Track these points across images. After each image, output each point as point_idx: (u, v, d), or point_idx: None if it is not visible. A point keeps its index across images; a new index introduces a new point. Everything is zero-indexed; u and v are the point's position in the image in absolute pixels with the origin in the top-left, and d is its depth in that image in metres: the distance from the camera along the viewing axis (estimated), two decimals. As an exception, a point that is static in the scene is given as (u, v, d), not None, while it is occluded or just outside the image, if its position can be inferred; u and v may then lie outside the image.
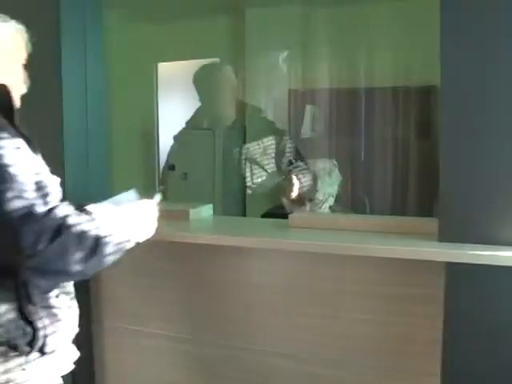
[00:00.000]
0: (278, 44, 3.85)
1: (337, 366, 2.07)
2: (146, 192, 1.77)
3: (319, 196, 2.73)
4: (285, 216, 2.33)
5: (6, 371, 1.51)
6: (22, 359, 1.53)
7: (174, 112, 4.09)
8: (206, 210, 2.49)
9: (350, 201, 3.34)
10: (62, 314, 1.58)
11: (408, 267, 1.91)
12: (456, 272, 1.82)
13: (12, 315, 1.49)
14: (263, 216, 2.80)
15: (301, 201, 2.74)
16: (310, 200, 2.74)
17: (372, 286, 1.99)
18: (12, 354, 1.51)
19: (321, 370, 2.09)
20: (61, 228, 1.40)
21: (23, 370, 1.54)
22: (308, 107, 3.44)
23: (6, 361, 1.51)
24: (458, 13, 1.80)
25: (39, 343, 1.53)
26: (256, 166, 2.99)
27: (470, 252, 1.76)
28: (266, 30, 3.80)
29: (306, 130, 3.98)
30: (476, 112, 1.81)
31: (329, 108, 3.89)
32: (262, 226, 2.35)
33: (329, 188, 2.76)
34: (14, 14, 2.05)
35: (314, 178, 2.74)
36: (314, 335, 2.08)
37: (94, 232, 1.44)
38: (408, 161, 3.83)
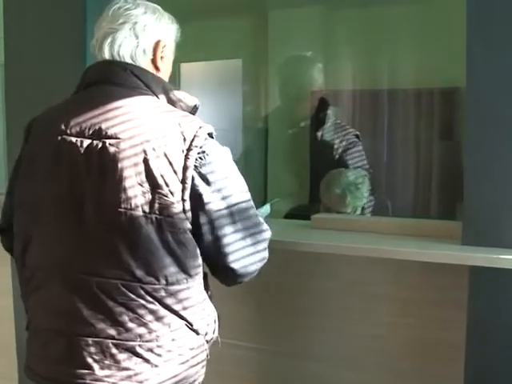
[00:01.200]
0: (301, 45, 3.85)
1: (358, 368, 2.06)
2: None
3: (347, 210, 2.70)
4: (306, 217, 2.33)
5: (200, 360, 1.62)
6: (205, 345, 1.63)
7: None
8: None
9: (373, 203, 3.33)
10: None
11: (431, 270, 1.89)
12: (480, 276, 1.80)
13: (203, 305, 1.60)
14: (285, 217, 2.81)
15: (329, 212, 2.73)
16: (338, 214, 2.72)
17: (395, 289, 1.98)
18: (200, 341, 1.61)
19: (344, 373, 2.09)
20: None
21: (207, 356, 1.66)
22: (331, 108, 3.42)
23: (200, 348, 1.61)
24: (485, 12, 1.78)
25: (216, 330, 1.67)
26: None
27: (495, 256, 1.74)
28: (289, 30, 3.80)
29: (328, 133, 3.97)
30: (502, 113, 1.79)
31: (351, 109, 3.88)
32: (286, 227, 2.34)
33: (358, 201, 2.72)
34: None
35: (344, 193, 2.71)
36: (343, 339, 2.08)
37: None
38: (431, 163, 3.81)
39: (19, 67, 2.57)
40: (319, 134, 3.10)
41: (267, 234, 1.61)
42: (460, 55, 1.84)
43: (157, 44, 1.63)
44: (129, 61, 1.60)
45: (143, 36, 1.61)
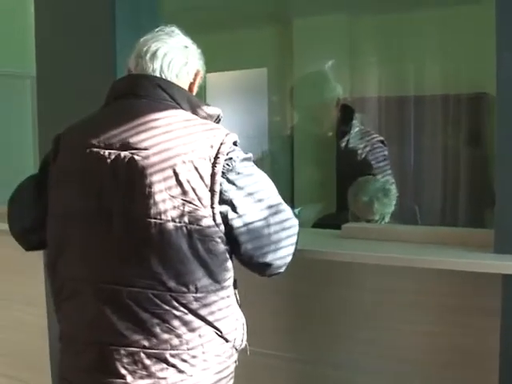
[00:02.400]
0: (326, 53, 3.85)
1: (388, 377, 2.04)
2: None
3: (375, 217, 2.70)
4: (334, 226, 2.32)
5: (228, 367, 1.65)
6: (234, 352, 1.67)
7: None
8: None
9: (400, 210, 3.31)
10: None
11: (463, 279, 1.87)
12: (513, 284, 1.78)
13: (232, 310, 1.63)
14: (313, 226, 2.80)
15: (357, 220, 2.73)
16: (367, 222, 2.72)
17: (426, 297, 1.96)
18: (229, 348, 1.63)
19: (372, 381, 2.07)
20: None
21: (236, 363, 1.69)
22: (356, 116, 3.42)
23: (231, 356, 1.65)
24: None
25: (244, 336, 1.69)
26: None
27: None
28: (313, 39, 3.80)
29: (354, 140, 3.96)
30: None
31: (377, 117, 3.86)
32: (316, 237, 2.33)
33: (386, 208, 2.72)
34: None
35: (371, 200, 2.70)
36: (374, 348, 2.06)
37: None
38: (458, 169, 3.78)
39: (51, 80, 2.61)
40: (344, 141, 3.10)
41: (296, 229, 1.66)
42: (488, 59, 1.82)
43: (198, 72, 1.72)
44: (174, 76, 1.66)
45: (191, 59, 1.70)
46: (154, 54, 1.64)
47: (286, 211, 1.63)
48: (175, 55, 1.65)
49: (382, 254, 1.92)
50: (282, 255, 1.61)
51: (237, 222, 1.53)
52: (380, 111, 3.89)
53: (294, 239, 1.65)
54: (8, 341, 3.00)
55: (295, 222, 1.66)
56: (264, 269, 1.62)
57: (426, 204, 3.76)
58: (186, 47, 1.69)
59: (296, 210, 2.22)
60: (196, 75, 1.72)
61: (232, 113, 4.03)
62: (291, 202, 3.23)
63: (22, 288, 2.88)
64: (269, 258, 1.59)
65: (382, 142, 3.07)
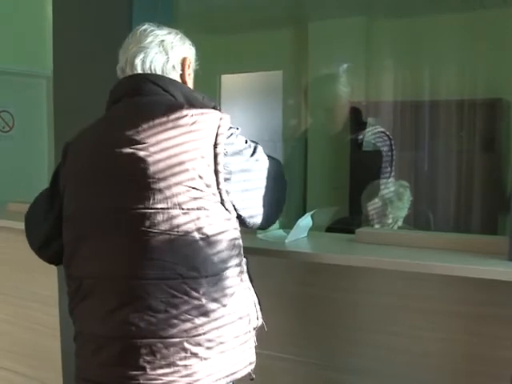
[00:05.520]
0: (341, 56, 3.85)
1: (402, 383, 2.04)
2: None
3: (388, 220, 2.70)
4: (346, 230, 2.31)
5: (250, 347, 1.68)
6: (251, 331, 1.70)
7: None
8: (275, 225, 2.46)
9: (414, 215, 3.30)
10: None
11: (476, 286, 1.86)
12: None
13: (241, 289, 1.66)
14: (327, 230, 2.79)
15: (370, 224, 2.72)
16: (380, 225, 2.71)
17: (439, 304, 1.95)
18: (245, 327, 1.66)
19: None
20: None
21: (255, 343, 1.72)
22: (370, 120, 3.41)
23: (248, 334, 1.67)
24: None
25: (258, 314, 1.72)
26: None
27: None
28: (329, 42, 3.80)
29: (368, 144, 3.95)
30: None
31: (392, 121, 3.85)
32: (330, 241, 2.35)
33: (399, 212, 2.72)
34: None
35: (384, 204, 2.70)
36: (386, 353, 2.06)
37: None
38: (472, 175, 3.76)
39: (67, 80, 2.64)
40: (358, 138, 3.10)
41: (284, 188, 1.82)
42: (503, 65, 1.82)
43: (184, 60, 1.74)
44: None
45: (172, 53, 1.71)
46: (132, 63, 1.68)
47: (282, 177, 1.78)
48: (153, 57, 1.68)
49: (395, 260, 1.92)
50: (269, 219, 1.76)
51: (236, 192, 1.60)
52: (395, 115, 3.88)
53: (282, 200, 1.81)
54: (31, 341, 3.02)
55: (284, 181, 1.81)
56: (251, 226, 1.73)
57: (440, 209, 3.75)
58: (162, 41, 1.70)
59: (309, 214, 2.22)
60: (183, 64, 1.73)
61: (247, 115, 4.04)
62: (304, 206, 3.23)
63: (41, 288, 2.91)
64: (260, 221, 1.71)
65: (383, 132, 3.07)
